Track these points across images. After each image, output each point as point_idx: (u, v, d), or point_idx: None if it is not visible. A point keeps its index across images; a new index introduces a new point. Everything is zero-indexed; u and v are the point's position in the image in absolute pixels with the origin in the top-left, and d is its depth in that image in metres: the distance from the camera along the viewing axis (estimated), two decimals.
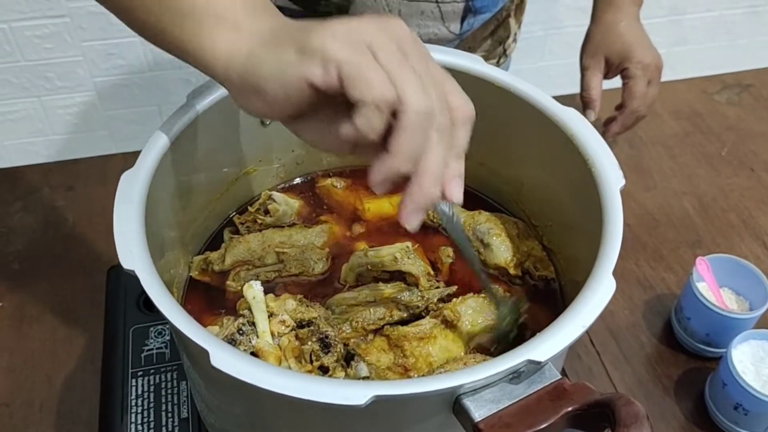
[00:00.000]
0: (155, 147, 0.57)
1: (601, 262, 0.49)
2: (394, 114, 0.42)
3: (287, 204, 0.71)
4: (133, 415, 0.70)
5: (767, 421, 0.73)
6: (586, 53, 1.00)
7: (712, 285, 0.83)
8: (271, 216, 0.70)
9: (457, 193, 0.45)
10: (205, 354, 0.43)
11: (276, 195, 0.71)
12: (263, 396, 0.47)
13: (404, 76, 0.41)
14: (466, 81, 0.65)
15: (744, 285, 0.83)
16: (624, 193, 1.01)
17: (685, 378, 0.81)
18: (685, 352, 0.83)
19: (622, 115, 0.97)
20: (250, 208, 0.72)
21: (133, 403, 0.70)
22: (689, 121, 1.15)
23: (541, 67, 2.01)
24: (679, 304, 0.84)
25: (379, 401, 0.41)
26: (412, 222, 0.44)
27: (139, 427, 0.69)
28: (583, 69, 0.99)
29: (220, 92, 0.62)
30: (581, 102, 0.98)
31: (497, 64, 1.08)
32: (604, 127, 1.00)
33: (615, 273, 0.91)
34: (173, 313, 0.45)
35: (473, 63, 0.64)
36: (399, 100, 0.41)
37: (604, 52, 0.97)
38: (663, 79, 1.22)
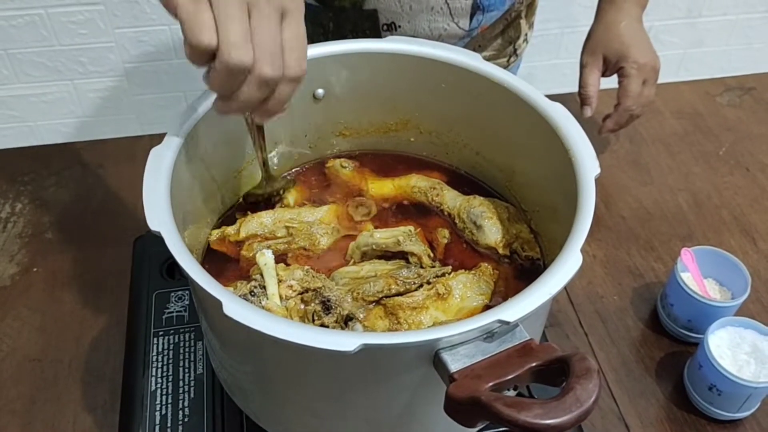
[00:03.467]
0: (182, 127, 0.63)
1: (572, 239, 0.54)
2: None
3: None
4: (154, 370, 0.77)
5: (739, 401, 0.78)
6: (585, 51, 1.03)
7: (695, 275, 0.87)
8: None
9: (258, 119, 0.59)
10: (218, 304, 0.49)
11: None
12: (268, 346, 0.54)
13: (230, 28, 0.50)
14: (464, 76, 0.71)
15: (727, 276, 0.88)
16: (621, 187, 1.07)
17: (667, 360, 0.86)
18: (668, 337, 0.88)
19: (617, 112, 1.01)
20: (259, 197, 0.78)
21: (154, 360, 0.78)
22: (690, 121, 1.20)
23: (556, 65, 2.05)
24: (664, 291, 0.89)
25: (367, 349, 0.47)
26: (216, 109, 0.58)
27: (159, 380, 0.76)
28: (582, 66, 1.02)
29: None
30: (579, 98, 1.01)
31: (507, 64, 1.13)
32: (601, 124, 1.04)
33: (607, 261, 0.97)
34: (192, 268, 0.51)
35: (471, 60, 0.70)
36: (217, 48, 0.51)
37: (602, 51, 1.00)
38: (673, 80, 1.27)
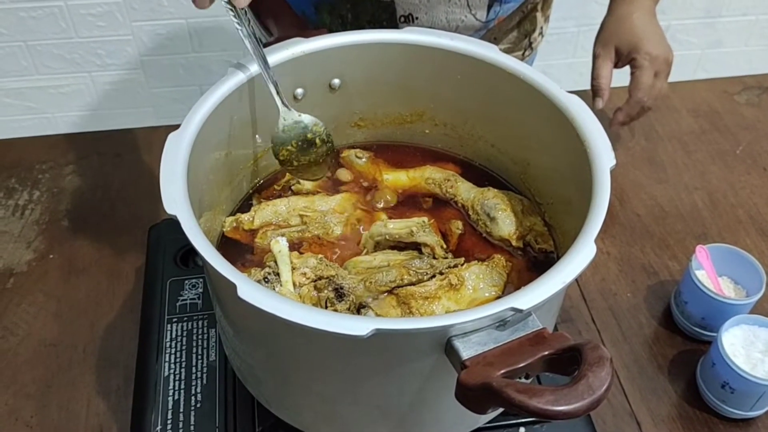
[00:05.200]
0: (198, 113, 0.64)
1: (586, 230, 0.54)
2: None
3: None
4: (167, 356, 0.77)
5: (752, 400, 0.77)
6: (598, 42, 1.03)
7: (710, 272, 0.87)
8: (294, 194, 0.77)
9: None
10: (233, 287, 0.49)
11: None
12: (282, 331, 0.54)
13: None
14: (481, 68, 0.71)
15: (742, 274, 0.87)
16: (636, 184, 1.07)
17: (680, 358, 0.86)
18: (681, 335, 0.88)
19: (628, 104, 1.00)
20: (275, 186, 0.78)
21: (168, 346, 0.78)
22: (707, 120, 1.19)
23: (573, 63, 2.04)
24: (678, 288, 0.88)
25: (379, 335, 0.47)
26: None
27: (172, 366, 0.76)
28: (595, 57, 1.02)
29: (258, 68, 0.68)
30: (591, 90, 1.01)
31: (522, 57, 1.12)
32: (612, 117, 1.03)
33: (621, 258, 0.97)
34: (208, 251, 0.52)
35: (487, 51, 0.70)
36: None
37: (615, 42, 1.00)
38: (689, 78, 1.26)
